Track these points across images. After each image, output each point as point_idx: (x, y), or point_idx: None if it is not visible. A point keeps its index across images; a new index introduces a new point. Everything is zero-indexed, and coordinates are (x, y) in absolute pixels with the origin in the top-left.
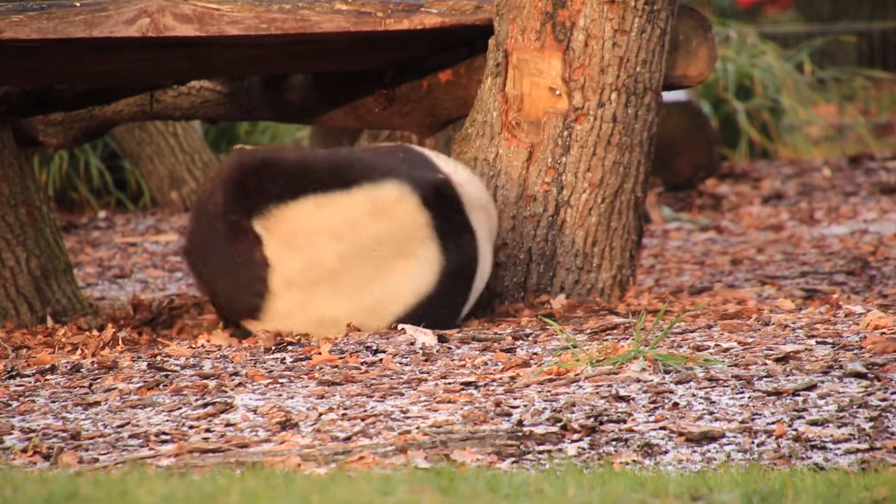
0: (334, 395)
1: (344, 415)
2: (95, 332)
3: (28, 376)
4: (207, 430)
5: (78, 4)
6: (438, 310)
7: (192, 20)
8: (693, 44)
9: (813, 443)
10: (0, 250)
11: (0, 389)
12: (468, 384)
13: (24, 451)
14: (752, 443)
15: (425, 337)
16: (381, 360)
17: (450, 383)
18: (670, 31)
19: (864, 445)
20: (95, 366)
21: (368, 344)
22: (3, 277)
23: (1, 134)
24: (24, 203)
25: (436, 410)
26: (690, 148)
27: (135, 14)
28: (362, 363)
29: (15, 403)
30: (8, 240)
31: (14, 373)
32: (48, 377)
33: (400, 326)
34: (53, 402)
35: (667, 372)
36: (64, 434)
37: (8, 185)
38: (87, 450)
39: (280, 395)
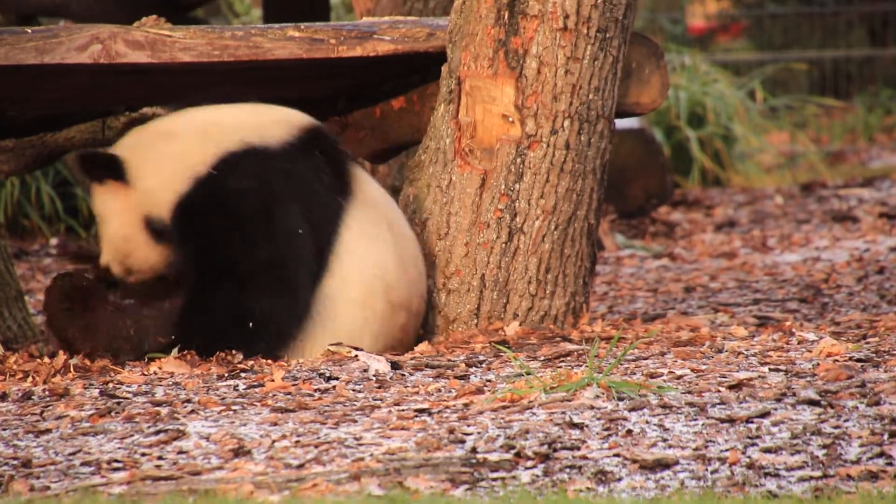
0: (287, 422)
1: (297, 442)
2: (47, 360)
3: None
4: (160, 458)
5: (29, 31)
6: None
7: (144, 47)
8: (646, 71)
9: (766, 470)
10: None
11: None
12: (422, 411)
13: None
14: (706, 470)
15: (378, 364)
16: (334, 386)
17: (403, 410)
18: (623, 59)
19: (818, 473)
20: (47, 393)
21: (322, 371)
22: None
23: None
24: None
25: (389, 437)
26: (643, 175)
27: (86, 41)
28: (315, 390)
29: None
30: None
31: None
32: None
33: (353, 353)
34: (4, 429)
35: (620, 399)
36: (15, 462)
37: None
38: (38, 477)
39: (233, 422)
